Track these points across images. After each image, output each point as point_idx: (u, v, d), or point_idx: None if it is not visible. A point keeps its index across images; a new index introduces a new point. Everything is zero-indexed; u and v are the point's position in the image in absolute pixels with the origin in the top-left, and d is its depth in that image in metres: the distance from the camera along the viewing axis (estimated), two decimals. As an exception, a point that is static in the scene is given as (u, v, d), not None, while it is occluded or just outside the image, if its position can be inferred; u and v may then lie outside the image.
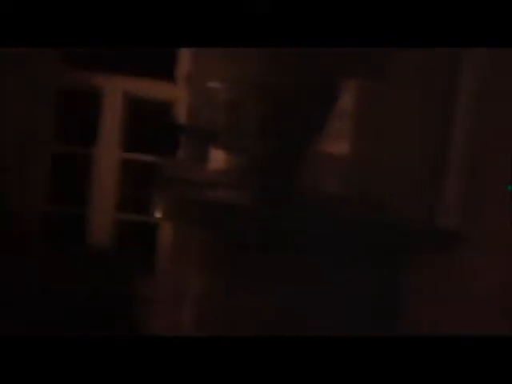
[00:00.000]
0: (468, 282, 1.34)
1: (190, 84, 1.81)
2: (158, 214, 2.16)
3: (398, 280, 1.32)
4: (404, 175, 1.36)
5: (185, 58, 2.38)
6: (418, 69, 1.36)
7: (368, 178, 1.37)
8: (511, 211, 1.32)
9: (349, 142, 1.36)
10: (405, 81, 1.36)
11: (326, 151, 1.36)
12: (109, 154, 2.57)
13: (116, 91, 2.55)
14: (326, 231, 1.21)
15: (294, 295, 1.23)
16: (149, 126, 2.58)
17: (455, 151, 1.36)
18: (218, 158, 1.49)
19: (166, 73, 2.52)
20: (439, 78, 1.37)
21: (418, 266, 1.35)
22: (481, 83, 1.34)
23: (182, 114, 2.35)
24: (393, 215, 1.30)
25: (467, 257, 1.31)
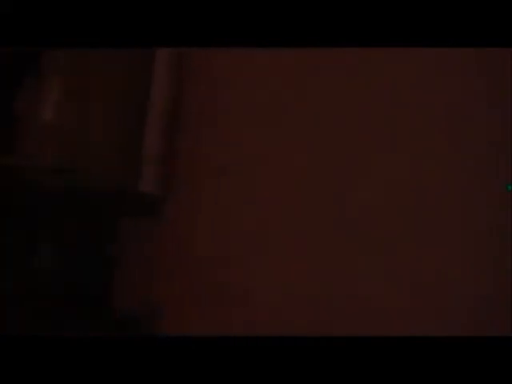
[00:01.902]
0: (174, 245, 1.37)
1: None
2: None
3: (103, 247, 1.39)
4: (108, 143, 1.38)
5: None
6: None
7: (74, 146, 1.35)
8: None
9: (54, 112, 1.33)
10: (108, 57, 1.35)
11: (34, 119, 1.33)
12: None
13: None
14: (33, 202, 1.25)
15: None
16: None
17: (155, 118, 1.42)
18: None
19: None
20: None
21: (122, 231, 1.41)
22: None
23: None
24: (97, 183, 1.34)
25: (171, 221, 1.39)
